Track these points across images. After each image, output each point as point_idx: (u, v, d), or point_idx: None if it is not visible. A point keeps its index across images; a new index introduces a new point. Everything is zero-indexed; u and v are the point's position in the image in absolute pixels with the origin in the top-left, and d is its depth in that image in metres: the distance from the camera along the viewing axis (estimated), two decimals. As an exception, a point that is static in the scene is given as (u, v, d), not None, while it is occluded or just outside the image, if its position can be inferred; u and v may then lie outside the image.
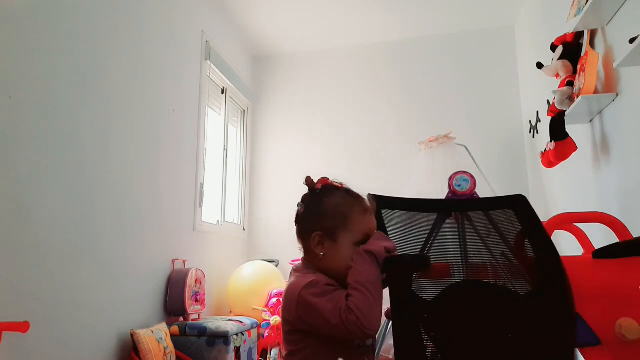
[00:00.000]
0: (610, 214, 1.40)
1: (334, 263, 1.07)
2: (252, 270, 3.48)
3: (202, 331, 2.59)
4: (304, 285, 1.03)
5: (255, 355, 3.01)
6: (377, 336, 1.50)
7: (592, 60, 2.19)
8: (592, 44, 2.34)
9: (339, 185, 1.16)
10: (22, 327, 1.54)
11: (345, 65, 4.38)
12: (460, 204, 1.18)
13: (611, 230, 1.38)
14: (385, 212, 1.16)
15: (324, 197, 1.13)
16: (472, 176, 2.96)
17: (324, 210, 1.11)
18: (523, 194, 1.13)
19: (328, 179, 1.17)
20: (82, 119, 2.17)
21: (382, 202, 1.17)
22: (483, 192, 3.11)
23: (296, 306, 1.03)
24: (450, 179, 2.96)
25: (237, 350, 2.70)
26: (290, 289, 1.07)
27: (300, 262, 1.16)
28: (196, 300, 2.85)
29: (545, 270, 1.06)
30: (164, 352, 2.32)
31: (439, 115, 4.01)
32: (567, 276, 1.03)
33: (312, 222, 1.12)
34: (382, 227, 1.14)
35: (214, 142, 3.74)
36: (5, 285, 1.70)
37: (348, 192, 1.14)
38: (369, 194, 1.16)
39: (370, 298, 0.97)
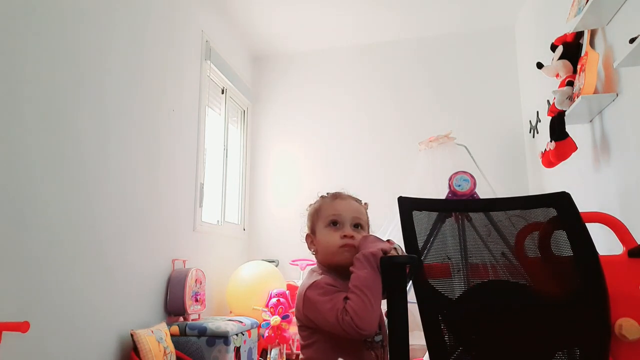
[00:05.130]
0: (610, 214, 1.39)
1: (322, 253, 1.20)
2: (252, 270, 3.48)
3: (202, 331, 2.59)
4: (308, 286, 1.13)
5: (255, 355, 3.01)
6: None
7: (592, 60, 2.19)
8: (592, 44, 2.34)
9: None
10: (22, 327, 1.54)
11: (345, 65, 4.38)
12: (497, 203, 1.16)
13: (611, 230, 1.38)
14: (415, 214, 1.15)
15: (309, 206, 1.29)
16: (472, 176, 2.98)
17: (308, 215, 1.27)
18: (567, 192, 1.11)
19: None
20: (82, 119, 2.17)
21: (413, 204, 1.16)
22: (483, 192, 3.11)
23: (302, 305, 1.13)
24: (450, 179, 2.98)
25: (237, 350, 2.71)
26: (299, 289, 1.18)
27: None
28: (196, 300, 2.85)
29: (584, 271, 1.04)
30: (164, 352, 2.32)
31: (439, 115, 4.01)
32: (605, 279, 1.02)
33: (307, 229, 1.27)
34: (411, 229, 1.13)
35: (214, 142, 3.74)
36: (5, 285, 1.70)
37: (327, 194, 1.27)
38: (400, 197, 1.19)
39: (366, 301, 1.03)
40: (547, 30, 3.12)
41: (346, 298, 1.05)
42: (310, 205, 1.28)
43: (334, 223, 1.18)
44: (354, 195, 1.27)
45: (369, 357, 1.12)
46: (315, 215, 1.23)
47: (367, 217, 1.25)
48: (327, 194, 1.28)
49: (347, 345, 1.10)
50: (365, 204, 1.27)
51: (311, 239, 1.24)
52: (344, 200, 1.23)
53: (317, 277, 1.15)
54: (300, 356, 1.18)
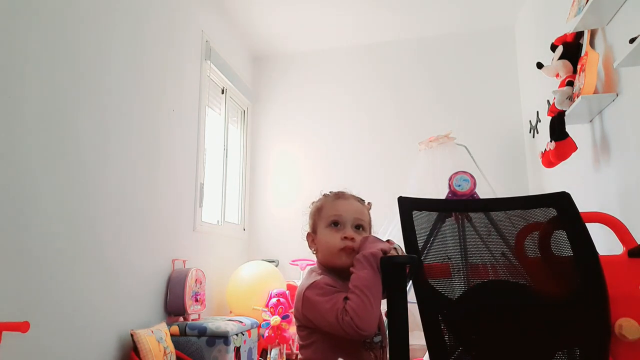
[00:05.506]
0: (610, 214, 1.39)
1: (323, 252, 1.19)
2: (252, 270, 3.48)
3: (202, 331, 2.59)
4: (307, 286, 1.13)
5: (255, 355, 3.01)
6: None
7: (592, 60, 2.19)
8: (592, 44, 2.34)
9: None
10: (22, 327, 1.54)
11: (345, 65, 4.38)
12: (497, 203, 1.16)
13: (611, 230, 1.38)
14: (415, 214, 1.15)
15: (312, 204, 1.29)
16: (472, 176, 2.98)
17: (309, 214, 1.26)
18: (567, 192, 1.11)
19: None
20: (82, 118, 2.17)
21: (413, 204, 1.16)
22: (483, 192, 3.11)
23: (302, 305, 1.12)
24: (450, 179, 2.98)
25: (237, 350, 2.70)
26: (298, 289, 1.17)
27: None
28: (196, 300, 2.85)
29: (584, 271, 1.04)
30: (164, 352, 2.32)
31: (439, 115, 4.01)
32: (605, 279, 1.02)
33: (308, 228, 1.27)
34: (411, 229, 1.13)
35: (214, 142, 3.74)
36: (5, 285, 1.70)
37: (330, 193, 1.26)
38: (400, 197, 1.19)
39: (366, 301, 1.02)
40: (547, 30, 3.12)
41: (346, 298, 1.05)
42: (313, 203, 1.27)
43: (335, 224, 1.17)
44: (357, 195, 1.26)
45: (368, 358, 1.12)
46: (317, 215, 1.23)
47: (370, 218, 1.24)
48: (330, 192, 1.27)
49: (346, 346, 1.09)
50: (369, 203, 1.26)
51: (312, 238, 1.23)
52: (346, 200, 1.22)
53: (316, 277, 1.14)
54: (299, 356, 1.18)
